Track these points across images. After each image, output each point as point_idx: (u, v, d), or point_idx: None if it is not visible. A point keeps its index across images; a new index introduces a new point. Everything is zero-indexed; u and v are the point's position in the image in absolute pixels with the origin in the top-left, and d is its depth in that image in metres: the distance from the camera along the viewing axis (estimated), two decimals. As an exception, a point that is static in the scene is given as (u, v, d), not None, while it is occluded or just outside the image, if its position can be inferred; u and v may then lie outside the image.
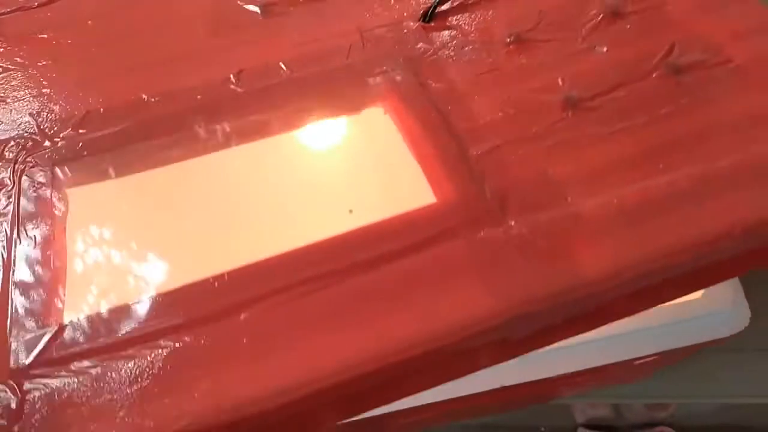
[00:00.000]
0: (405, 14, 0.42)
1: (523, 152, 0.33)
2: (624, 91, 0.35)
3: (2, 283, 0.31)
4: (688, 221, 0.29)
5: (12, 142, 0.36)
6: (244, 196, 0.35)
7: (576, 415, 0.56)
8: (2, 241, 0.32)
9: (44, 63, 0.41)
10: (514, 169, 0.32)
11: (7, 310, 0.30)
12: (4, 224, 0.33)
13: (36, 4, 0.45)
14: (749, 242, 0.30)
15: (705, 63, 0.36)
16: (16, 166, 0.35)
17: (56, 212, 0.34)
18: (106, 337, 0.28)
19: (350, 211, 0.32)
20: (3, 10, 0.45)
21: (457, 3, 0.41)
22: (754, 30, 0.37)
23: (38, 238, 0.32)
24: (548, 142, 0.33)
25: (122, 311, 0.29)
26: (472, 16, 0.41)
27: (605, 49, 0.38)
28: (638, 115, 0.34)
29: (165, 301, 0.29)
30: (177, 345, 0.27)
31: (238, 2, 0.44)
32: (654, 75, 0.36)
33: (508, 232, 0.30)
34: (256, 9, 0.43)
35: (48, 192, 0.34)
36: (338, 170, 0.36)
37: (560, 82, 0.36)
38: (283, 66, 0.39)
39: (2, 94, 0.39)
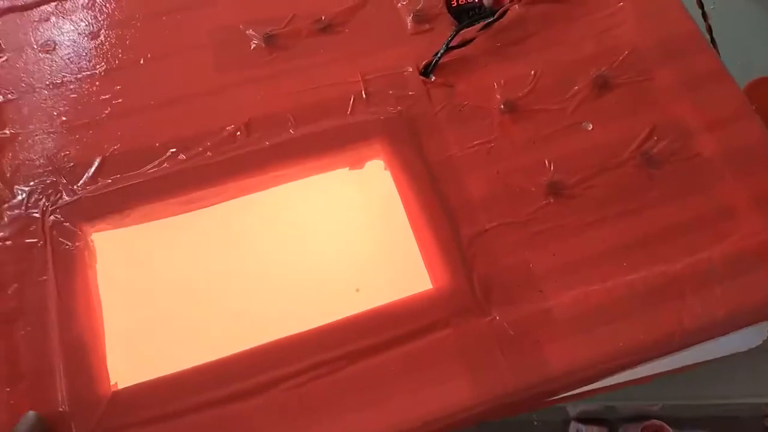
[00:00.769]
0: (407, 61, 0.43)
1: (509, 239, 0.38)
2: (602, 179, 0.39)
3: (45, 348, 0.35)
4: (639, 326, 0.35)
5: (37, 193, 0.38)
6: (252, 261, 0.39)
7: (569, 409, 0.63)
8: (41, 301, 0.36)
9: (54, 98, 0.42)
10: (499, 256, 0.37)
11: (55, 377, 0.34)
12: (42, 285, 0.36)
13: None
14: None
15: (677, 154, 0.40)
16: (45, 220, 0.38)
17: (88, 268, 0.37)
18: (149, 409, 0.33)
19: (357, 290, 0.37)
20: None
21: (456, 57, 0.43)
22: (728, 119, 0.41)
23: (74, 297, 0.36)
24: (531, 229, 0.38)
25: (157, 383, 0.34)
26: (469, 74, 0.43)
27: (591, 126, 0.41)
28: (612, 207, 0.39)
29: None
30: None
31: (241, 26, 0.44)
32: (630, 164, 0.40)
33: (491, 323, 0.35)
34: (260, 38, 0.43)
35: (78, 245, 0.37)
36: (346, 245, 0.40)
37: (547, 164, 0.40)
38: (290, 118, 0.41)
39: (16, 131, 0.40)
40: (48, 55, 0.43)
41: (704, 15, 0.48)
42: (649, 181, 0.39)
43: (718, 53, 0.44)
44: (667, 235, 0.38)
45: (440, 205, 0.38)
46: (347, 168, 0.42)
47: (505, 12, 0.43)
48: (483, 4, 0.46)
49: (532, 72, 0.42)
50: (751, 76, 0.72)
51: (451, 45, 0.42)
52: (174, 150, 0.40)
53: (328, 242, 0.40)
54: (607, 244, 0.38)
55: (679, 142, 0.40)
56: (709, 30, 0.48)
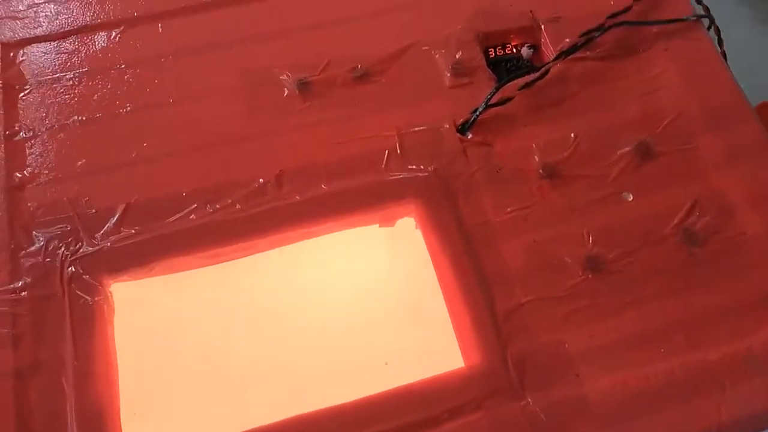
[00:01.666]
0: (444, 115, 0.42)
1: (544, 316, 0.36)
2: (641, 255, 0.38)
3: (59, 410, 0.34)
4: (677, 418, 0.34)
5: (56, 241, 0.37)
6: (280, 323, 0.38)
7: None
8: (58, 358, 0.35)
9: (75, 138, 0.40)
10: (535, 334, 0.36)
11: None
12: (58, 341, 0.35)
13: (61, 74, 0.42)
14: None
15: (720, 232, 0.39)
16: (64, 272, 0.36)
17: (107, 324, 0.36)
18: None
19: (386, 363, 0.36)
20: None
21: (494, 114, 0.41)
22: (771, 195, 0.40)
23: (92, 356, 0.35)
24: (567, 307, 0.37)
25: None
26: (508, 133, 0.41)
27: (631, 197, 0.40)
28: (651, 286, 0.37)
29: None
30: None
31: (275, 70, 0.42)
32: (671, 240, 0.38)
33: (525, 409, 0.34)
34: (293, 84, 0.42)
35: (98, 300, 0.36)
36: (374, 309, 0.39)
37: (585, 235, 0.39)
38: (323, 171, 0.40)
39: (37, 170, 0.39)
40: (72, 90, 0.41)
41: (720, 42, 0.47)
42: (690, 259, 0.38)
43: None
44: (707, 320, 0.37)
45: (475, 274, 0.37)
46: (377, 224, 0.41)
47: (547, 71, 0.41)
48: (522, 56, 0.45)
49: (573, 135, 0.41)
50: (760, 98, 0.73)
51: (490, 103, 0.41)
52: (201, 202, 0.38)
53: (356, 304, 0.39)
54: (645, 326, 0.36)
55: (722, 219, 0.39)
56: (724, 56, 0.47)
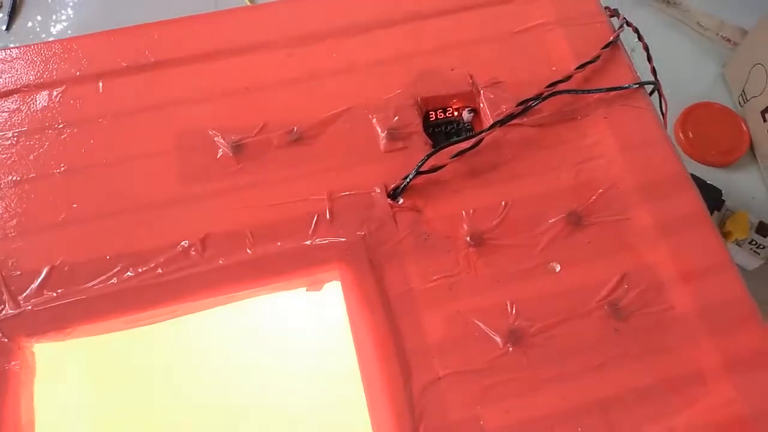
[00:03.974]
0: (376, 180, 0.42)
1: (462, 390, 0.36)
2: (565, 329, 0.37)
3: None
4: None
5: (-23, 303, 0.37)
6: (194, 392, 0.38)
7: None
8: (-32, 423, 0.35)
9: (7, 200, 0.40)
10: (450, 411, 0.35)
11: None
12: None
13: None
14: None
15: (647, 306, 0.38)
16: (-17, 335, 0.36)
17: (22, 387, 0.36)
18: None
19: (295, 435, 0.35)
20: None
21: (427, 178, 0.41)
22: (705, 270, 0.39)
23: (2, 419, 0.35)
24: (486, 381, 0.36)
25: None
26: (438, 199, 0.41)
27: (558, 268, 0.39)
28: (573, 362, 0.37)
29: None
30: None
31: (210, 132, 0.43)
32: (595, 314, 0.38)
33: (432, 489, 0.34)
34: (228, 147, 0.42)
35: (14, 364, 0.36)
36: (289, 377, 0.38)
37: (509, 307, 0.38)
38: (249, 235, 0.40)
39: (-36, 230, 0.39)
40: (10, 149, 0.42)
41: (649, 58, 0.47)
42: (614, 334, 0.37)
43: (660, 88, 0.43)
44: (629, 398, 0.36)
45: (394, 347, 0.37)
46: (305, 288, 0.41)
47: (480, 140, 0.41)
48: (462, 119, 0.45)
49: (503, 202, 0.41)
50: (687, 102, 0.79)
51: (421, 170, 0.41)
52: (124, 265, 0.38)
53: (272, 371, 0.39)
54: (563, 404, 0.36)
55: (650, 293, 0.38)
56: (654, 72, 0.47)
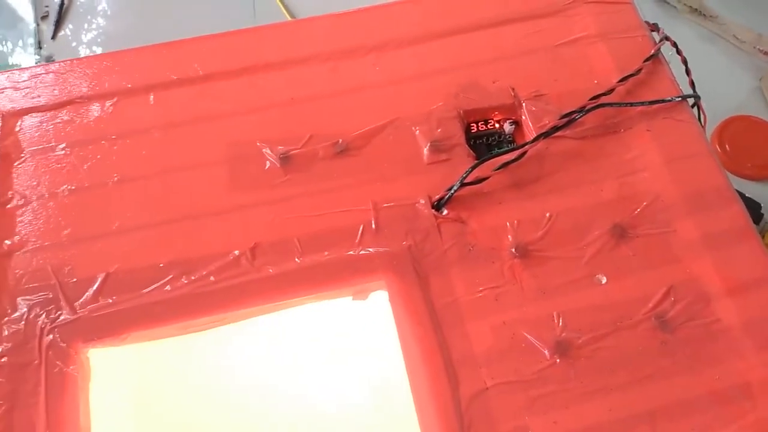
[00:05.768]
0: (420, 191, 0.42)
1: (509, 401, 0.36)
2: (612, 341, 0.38)
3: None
4: None
5: (37, 308, 0.38)
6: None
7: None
8: (30, 426, 0.36)
9: (62, 207, 0.42)
10: (498, 421, 0.36)
11: None
12: (32, 409, 0.36)
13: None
14: None
15: (694, 319, 0.38)
16: (43, 339, 0.38)
17: (80, 392, 0.37)
18: None
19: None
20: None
21: (470, 190, 0.42)
22: (751, 283, 0.39)
23: (62, 426, 0.36)
24: (534, 392, 0.36)
25: None
26: (482, 211, 0.41)
27: (604, 280, 0.39)
28: (620, 374, 0.37)
29: None
30: None
31: (258, 144, 0.44)
32: (642, 326, 0.38)
33: (482, 498, 0.34)
34: (275, 158, 0.43)
35: (73, 368, 0.37)
36: (340, 385, 0.39)
37: (556, 318, 0.38)
38: (297, 244, 0.40)
39: (25, 238, 0.41)
40: (64, 160, 0.43)
41: (688, 71, 0.47)
42: (661, 346, 0.38)
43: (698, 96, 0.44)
44: (676, 411, 0.36)
45: (441, 356, 0.37)
46: (350, 297, 0.41)
47: (524, 153, 0.42)
48: (504, 131, 0.46)
49: (548, 214, 0.41)
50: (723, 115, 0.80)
51: (465, 182, 0.41)
52: (177, 273, 0.39)
53: (322, 378, 0.39)
54: (611, 416, 0.36)
55: (696, 306, 0.39)
56: (692, 85, 0.47)
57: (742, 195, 0.71)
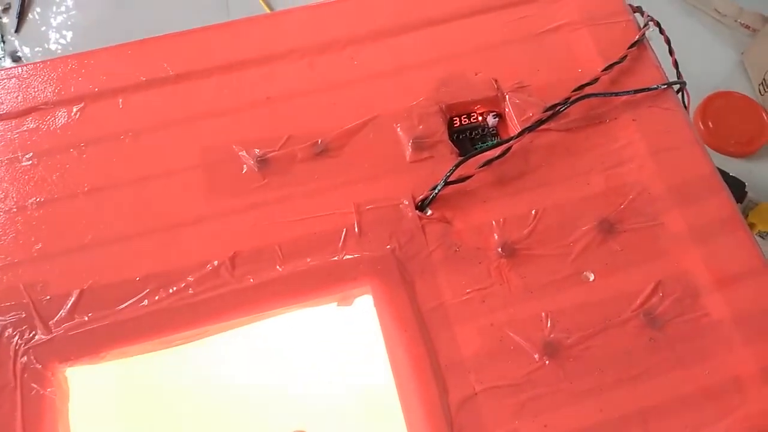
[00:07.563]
0: (403, 191, 0.41)
1: (499, 405, 0.36)
2: (601, 340, 0.37)
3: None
4: None
5: (10, 329, 0.37)
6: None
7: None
8: (7, 452, 0.35)
9: (33, 222, 0.40)
10: (488, 426, 0.35)
11: None
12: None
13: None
14: None
15: (683, 314, 0.38)
16: (17, 361, 0.36)
17: (58, 414, 0.36)
18: None
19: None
20: None
21: (455, 189, 0.41)
22: (740, 275, 0.39)
23: (41, 449, 0.35)
24: (524, 395, 0.36)
25: None
26: (467, 210, 0.40)
27: (592, 277, 0.39)
28: (609, 373, 0.37)
29: None
30: None
31: (234, 147, 0.42)
32: (631, 324, 0.38)
33: (474, 506, 0.34)
34: (253, 162, 0.42)
35: (50, 391, 0.36)
36: (326, 392, 0.38)
37: (544, 318, 0.38)
38: (278, 252, 0.39)
39: (-7, 254, 0.39)
40: (31, 171, 0.41)
41: (671, 51, 0.46)
42: (650, 344, 0.37)
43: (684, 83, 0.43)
44: (667, 408, 0.36)
45: (429, 363, 0.36)
46: (335, 303, 0.40)
47: (508, 149, 0.41)
48: (487, 124, 0.45)
49: (533, 211, 0.40)
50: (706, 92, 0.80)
51: (449, 180, 0.40)
52: (154, 286, 0.38)
53: (309, 386, 0.38)
54: (602, 416, 0.36)
55: (686, 300, 0.38)
56: (676, 65, 0.46)
57: (726, 174, 0.71)
